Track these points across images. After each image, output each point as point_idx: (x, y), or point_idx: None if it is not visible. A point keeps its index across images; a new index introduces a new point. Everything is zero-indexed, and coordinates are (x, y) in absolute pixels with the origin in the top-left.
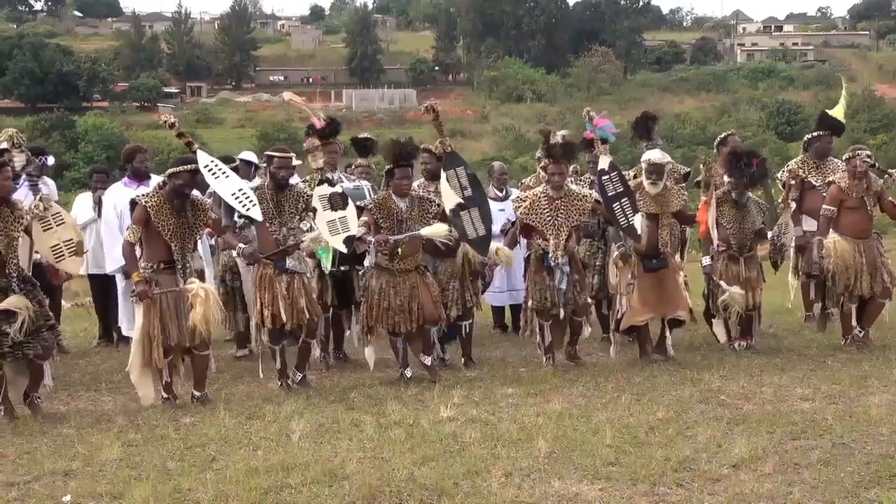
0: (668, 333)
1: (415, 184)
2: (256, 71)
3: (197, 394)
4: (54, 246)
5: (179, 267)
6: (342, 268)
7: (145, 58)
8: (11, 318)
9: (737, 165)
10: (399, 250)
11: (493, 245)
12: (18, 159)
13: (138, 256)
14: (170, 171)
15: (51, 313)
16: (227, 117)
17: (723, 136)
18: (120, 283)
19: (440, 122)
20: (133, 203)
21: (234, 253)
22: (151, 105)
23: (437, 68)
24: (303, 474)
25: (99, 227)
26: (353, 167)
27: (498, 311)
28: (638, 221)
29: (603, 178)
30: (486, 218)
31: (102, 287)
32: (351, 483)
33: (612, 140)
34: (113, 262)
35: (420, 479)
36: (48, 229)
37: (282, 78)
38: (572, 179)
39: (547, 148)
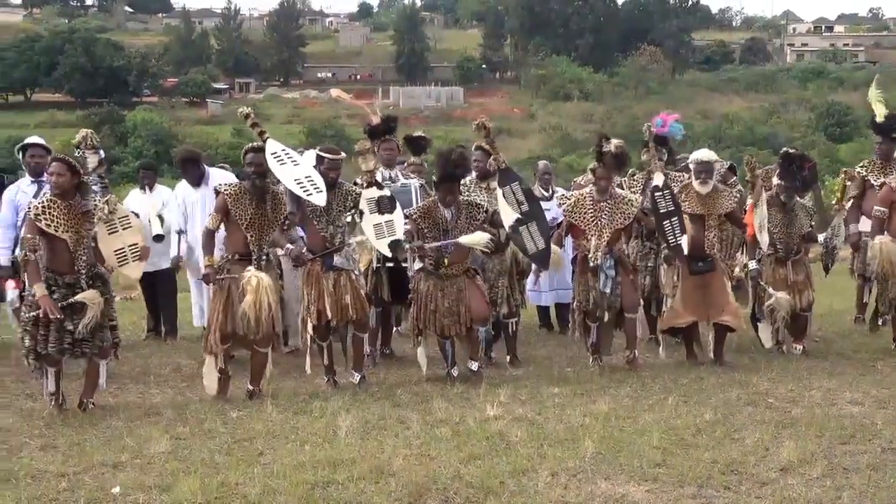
0: (711, 338)
1: (467, 179)
2: (304, 67)
3: (251, 388)
4: (118, 250)
5: (255, 258)
6: (388, 263)
7: (195, 53)
8: (77, 314)
9: (788, 169)
10: (445, 259)
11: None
12: (91, 160)
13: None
14: (242, 153)
15: (115, 314)
16: (276, 113)
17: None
18: (191, 277)
19: (492, 140)
20: (216, 191)
21: (280, 252)
22: (200, 100)
23: (484, 66)
24: (350, 470)
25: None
26: (405, 165)
27: (543, 311)
28: (685, 241)
29: (656, 194)
30: (545, 232)
31: (151, 283)
32: (397, 480)
33: (679, 138)
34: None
35: (466, 477)
36: (113, 232)
37: (329, 75)
38: (623, 181)
39: (598, 154)
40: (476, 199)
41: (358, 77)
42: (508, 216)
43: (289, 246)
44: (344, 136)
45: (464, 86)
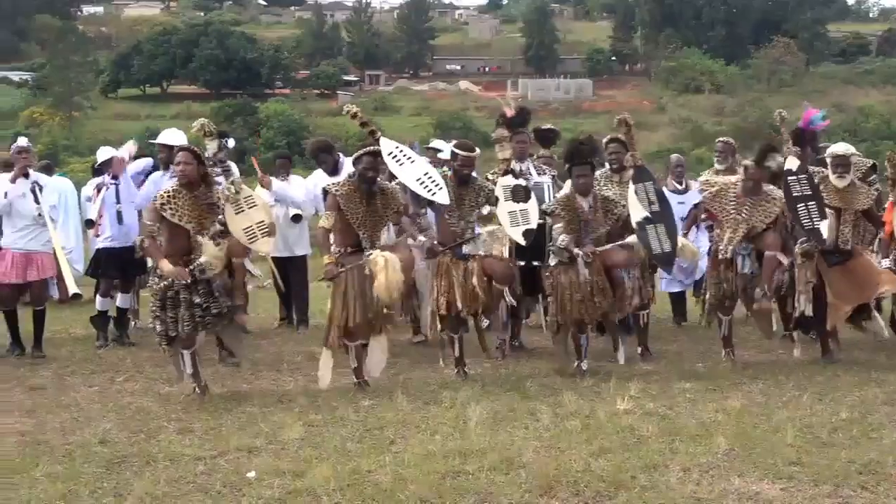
0: (876, 314)
1: (598, 172)
2: (434, 60)
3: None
4: (246, 228)
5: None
6: (520, 262)
7: (326, 46)
8: (201, 284)
9: None
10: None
11: (679, 241)
12: (210, 147)
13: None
14: (354, 156)
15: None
16: (405, 105)
17: None
18: None
19: (632, 136)
20: (325, 191)
21: (410, 241)
22: (331, 92)
23: (613, 58)
24: (480, 461)
25: (278, 213)
26: (534, 158)
27: (678, 299)
28: (825, 226)
29: (789, 178)
30: (672, 234)
31: (283, 270)
32: (528, 472)
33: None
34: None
35: (597, 470)
36: (240, 212)
37: (458, 67)
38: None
39: (760, 158)
40: (610, 195)
41: (487, 69)
42: (637, 213)
43: (421, 238)
44: (472, 129)
45: (593, 78)
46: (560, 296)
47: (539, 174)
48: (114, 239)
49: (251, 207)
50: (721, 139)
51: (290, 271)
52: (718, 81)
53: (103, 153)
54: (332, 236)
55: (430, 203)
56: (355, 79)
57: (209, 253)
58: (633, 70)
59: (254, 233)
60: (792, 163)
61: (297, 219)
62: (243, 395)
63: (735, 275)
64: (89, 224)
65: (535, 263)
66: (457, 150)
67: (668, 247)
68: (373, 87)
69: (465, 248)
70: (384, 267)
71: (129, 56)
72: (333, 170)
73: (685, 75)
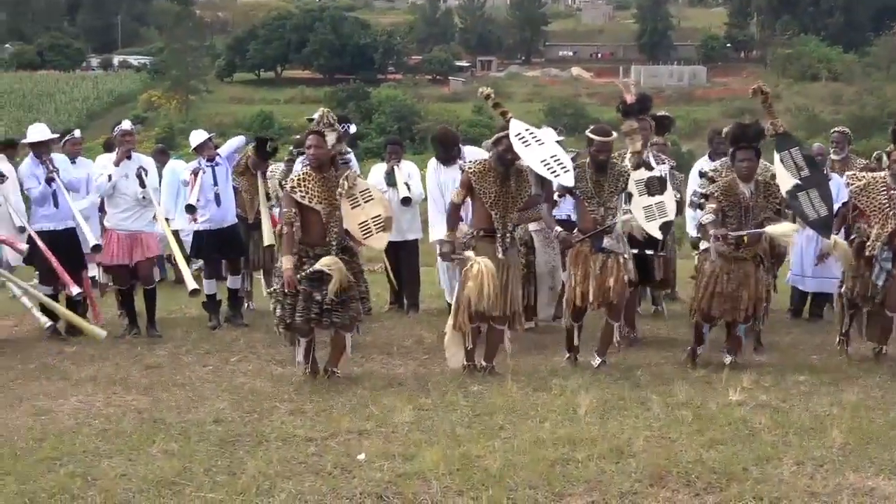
0: None
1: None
2: (546, 46)
3: (485, 364)
4: (362, 223)
5: (500, 235)
6: (633, 250)
7: (438, 32)
8: (325, 283)
9: None
10: (745, 238)
11: (833, 237)
12: (330, 137)
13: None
14: (494, 138)
15: (365, 287)
16: (516, 91)
17: None
18: None
19: (770, 104)
20: (461, 170)
21: (532, 227)
22: (443, 78)
23: (728, 45)
24: (589, 449)
25: (391, 196)
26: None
27: (799, 296)
28: None
29: None
30: (827, 198)
31: (395, 254)
32: (638, 461)
33: None
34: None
35: (708, 462)
36: (356, 206)
37: (571, 53)
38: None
39: (894, 133)
40: (773, 182)
41: (599, 55)
42: (786, 182)
43: (558, 229)
44: (584, 115)
45: (707, 65)
46: (701, 283)
47: (657, 163)
48: (212, 221)
49: (367, 202)
50: (836, 129)
51: (402, 256)
52: (836, 69)
53: (196, 136)
54: (465, 215)
55: (571, 191)
56: (467, 64)
57: (326, 262)
58: (749, 57)
59: (369, 228)
60: None
61: (406, 202)
62: (354, 378)
63: (870, 275)
64: (190, 209)
65: (649, 252)
66: (592, 135)
67: (823, 211)
68: (484, 72)
69: (607, 243)
70: (477, 275)
71: (244, 41)
72: (446, 159)
73: (802, 63)
